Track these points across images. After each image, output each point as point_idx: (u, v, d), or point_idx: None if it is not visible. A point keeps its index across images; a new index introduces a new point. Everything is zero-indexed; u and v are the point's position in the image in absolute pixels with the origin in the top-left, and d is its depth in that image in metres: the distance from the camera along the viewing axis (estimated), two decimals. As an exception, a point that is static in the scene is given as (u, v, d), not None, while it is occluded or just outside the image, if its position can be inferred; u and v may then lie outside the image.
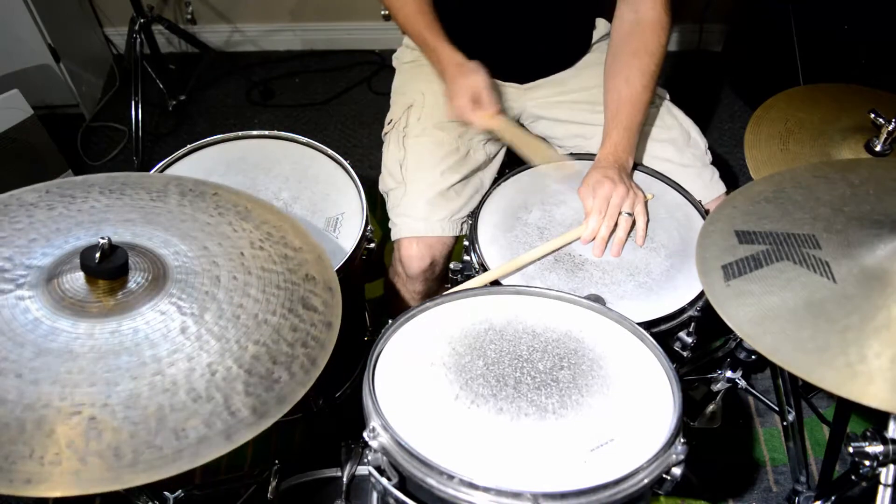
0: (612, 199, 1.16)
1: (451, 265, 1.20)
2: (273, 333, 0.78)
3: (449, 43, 1.28)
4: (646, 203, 1.21)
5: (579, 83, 1.43)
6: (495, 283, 1.09)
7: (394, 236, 1.34)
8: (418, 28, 1.30)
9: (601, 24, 1.44)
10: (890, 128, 1.16)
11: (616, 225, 1.16)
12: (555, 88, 1.44)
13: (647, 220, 1.20)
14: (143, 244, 0.85)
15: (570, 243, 1.17)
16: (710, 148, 1.39)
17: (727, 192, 1.33)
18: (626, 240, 1.17)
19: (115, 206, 0.91)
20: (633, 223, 1.18)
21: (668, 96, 1.42)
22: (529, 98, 1.45)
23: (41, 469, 0.62)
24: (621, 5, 1.30)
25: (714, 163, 1.38)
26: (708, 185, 1.32)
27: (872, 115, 1.18)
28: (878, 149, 1.18)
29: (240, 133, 1.37)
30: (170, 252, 0.85)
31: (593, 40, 1.46)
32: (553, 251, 1.16)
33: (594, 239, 1.16)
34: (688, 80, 2.68)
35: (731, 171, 2.32)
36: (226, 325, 0.77)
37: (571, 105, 1.42)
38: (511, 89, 1.44)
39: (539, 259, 1.14)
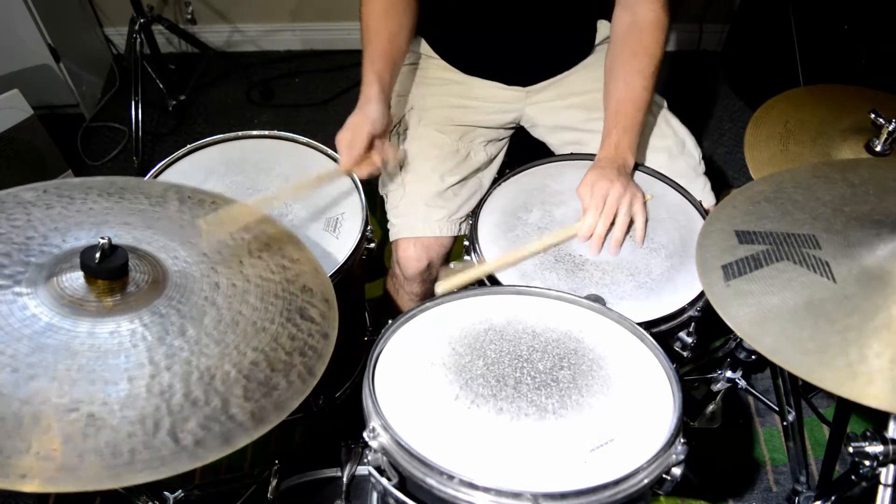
0: (609, 197, 1.15)
1: (451, 265, 1.20)
2: (271, 341, 0.79)
3: (376, 79, 1.22)
4: (644, 203, 1.20)
5: (578, 86, 1.42)
6: (495, 282, 1.09)
7: (392, 237, 1.34)
8: (365, 55, 1.26)
9: (603, 27, 1.44)
10: (890, 128, 1.16)
11: (613, 224, 1.16)
12: (555, 91, 1.44)
13: (647, 220, 1.20)
14: (142, 247, 0.85)
15: (566, 239, 1.17)
16: (707, 156, 1.37)
17: (716, 204, 1.33)
18: (624, 240, 1.16)
19: (115, 208, 0.91)
20: (631, 223, 1.17)
21: (665, 104, 1.42)
22: (530, 102, 1.45)
23: (37, 464, 0.62)
24: (618, 8, 1.29)
25: (713, 165, 1.38)
26: (698, 196, 1.32)
27: (873, 115, 1.18)
28: (878, 149, 1.18)
29: (240, 133, 1.37)
30: (169, 257, 0.85)
31: (596, 42, 1.46)
32: (549, 246, 1.15)
33: (591, 236, 1.15)
34: (688, 81, 2.68)
35: (732, 172, 2.32)
36: (225, 331, 0.78)
37: (569, 109, 1.42)
38: (514, 93, 1.44)
39: (535, 254, 1.14)
